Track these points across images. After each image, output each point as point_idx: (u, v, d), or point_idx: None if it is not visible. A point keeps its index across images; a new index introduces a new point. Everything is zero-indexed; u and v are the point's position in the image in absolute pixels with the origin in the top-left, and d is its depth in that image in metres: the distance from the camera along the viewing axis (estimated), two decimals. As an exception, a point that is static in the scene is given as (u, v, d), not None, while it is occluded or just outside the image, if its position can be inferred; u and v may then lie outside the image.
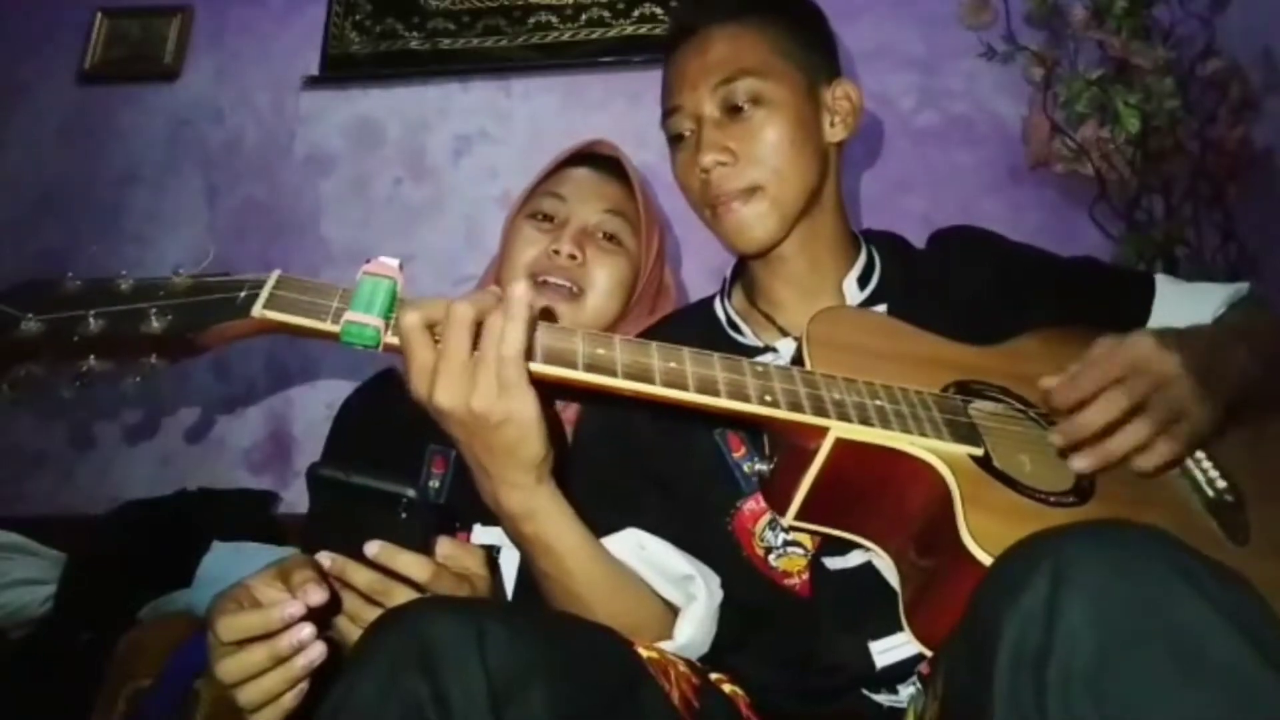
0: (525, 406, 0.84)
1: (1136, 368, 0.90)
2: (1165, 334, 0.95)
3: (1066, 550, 0.65)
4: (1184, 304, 1.15)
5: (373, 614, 0.87)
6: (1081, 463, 0.90)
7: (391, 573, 0.88)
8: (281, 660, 0.81)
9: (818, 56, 1.18)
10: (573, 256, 1.27)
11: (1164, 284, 1.19)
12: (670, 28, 1.23)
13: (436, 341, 0.84)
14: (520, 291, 0.83)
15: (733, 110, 1.11)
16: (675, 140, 1.17)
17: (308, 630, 0.79)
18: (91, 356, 0.81)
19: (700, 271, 1.92)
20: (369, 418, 1.31)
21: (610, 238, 1.31)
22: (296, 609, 0.80)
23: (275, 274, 0.86)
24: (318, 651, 0.79)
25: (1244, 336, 1.02)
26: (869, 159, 2.19)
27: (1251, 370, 0.98)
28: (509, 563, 1.18)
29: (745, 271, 1.24)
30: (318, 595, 0.83)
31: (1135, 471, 0.91)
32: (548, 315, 1.20)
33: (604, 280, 1.29)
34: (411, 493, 0.87)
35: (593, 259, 1.29)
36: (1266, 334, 1.06)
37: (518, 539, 0.97)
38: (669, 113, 1.17)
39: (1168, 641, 0.61)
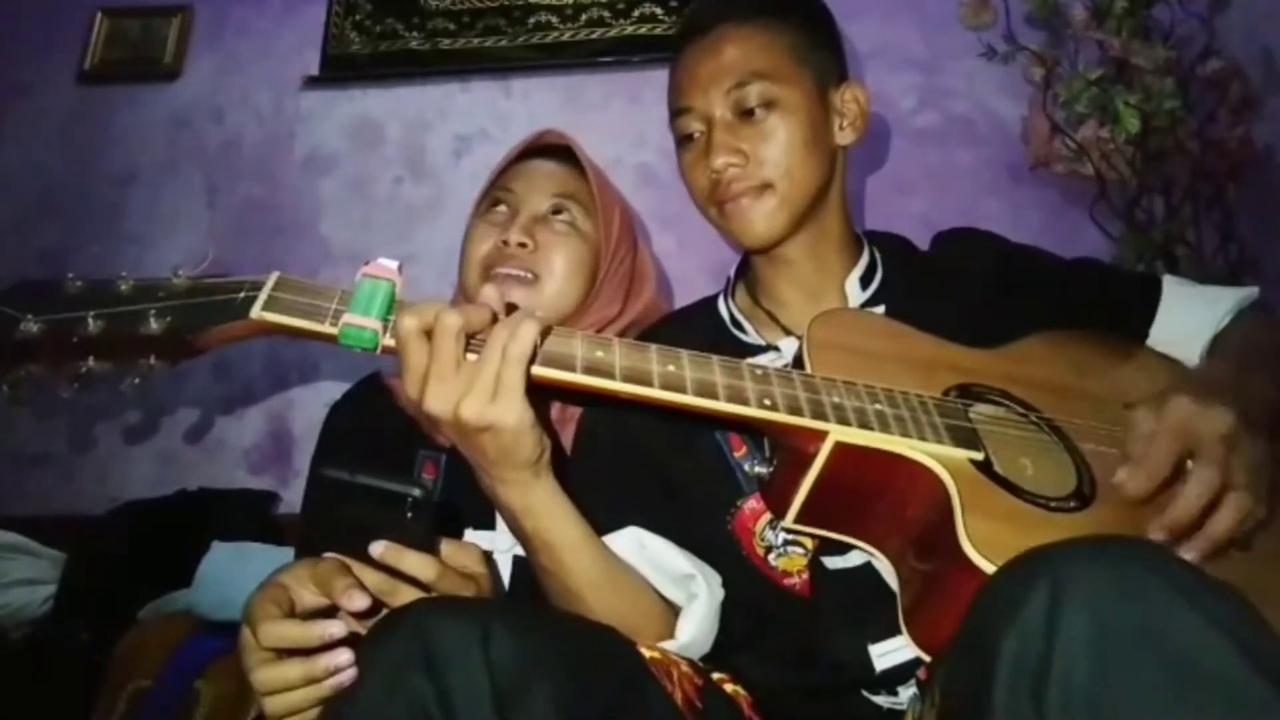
0: (515, 414, 0.84)
1: (1190, 432, 0.86)
2: (1194, 387, 0.91)
3: (1065, 566, 0.65)
4: (1191, 308, 1.13)
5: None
6: (1194, 554, 0.85)
7: (397, 573, 0.88)
8: (314, 681, 0.80)
9: (828, 59, 1.17)
10: (523, 244, 1.24)
11: (1171, 286, 1.17)
12: (681, 25, 1.22)
13: None
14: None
15: (744, 113, 1.11)
16: (684, 140, 1.16)
17: (345, 656, 0.78)
18: (90, 358, 0.81)
19: (700, 271, 1.92)
20: (358, 423, 1.29)
21: (563, 221, 1.29)
22: (338, 629, 0.80)
23: (274, 275, 0.86)
24: (349, 676, 0.78)
25: (1248, 356, 1.01)
26: (869, 159, 2.18)
27: (1271, 395, 0.96)
28: (500, 568, 1.17)
29: (750, 270, 1.23)
30: (361, 601, 0.82)
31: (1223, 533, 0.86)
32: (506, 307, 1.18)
33: (560, 263, 1.26)
34: (417, 492, 0.86)
35: (545, 243, 1.26)
36: (1272, 351, 1.05)
37: (518, 535, 0.97)
38: (678, 113, 1.16)
39: (1165, 657, 0.61)
